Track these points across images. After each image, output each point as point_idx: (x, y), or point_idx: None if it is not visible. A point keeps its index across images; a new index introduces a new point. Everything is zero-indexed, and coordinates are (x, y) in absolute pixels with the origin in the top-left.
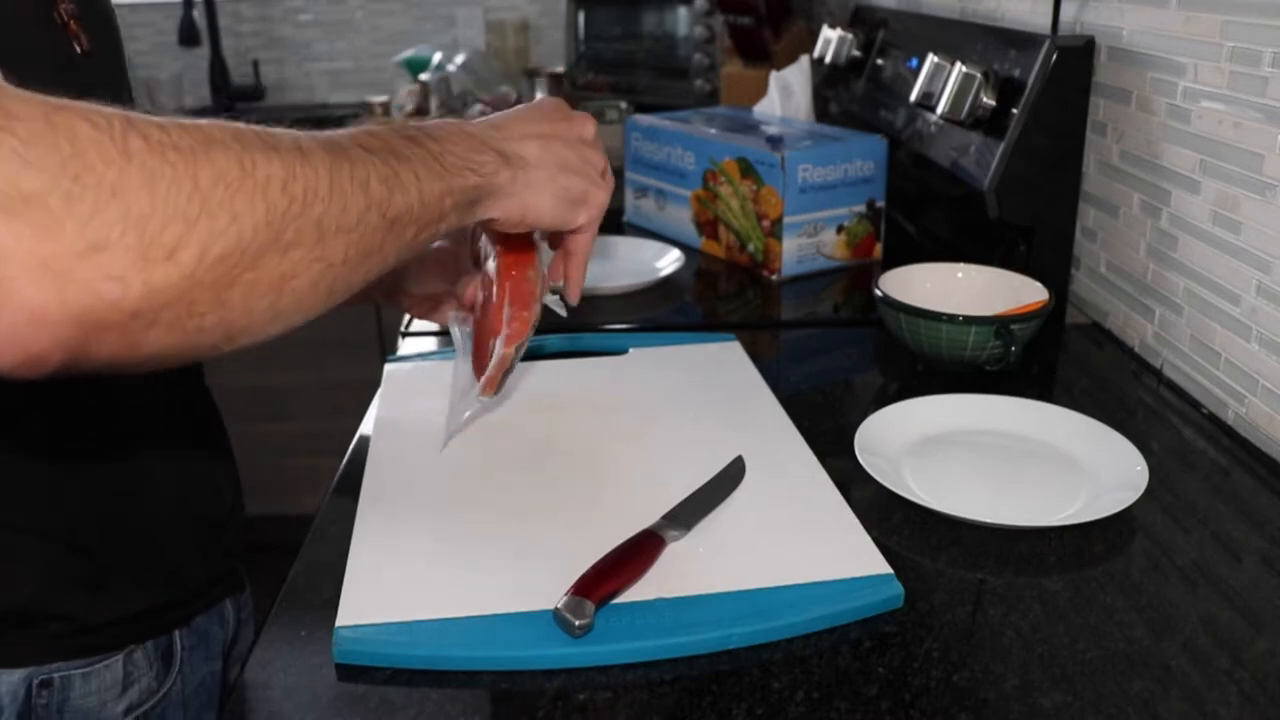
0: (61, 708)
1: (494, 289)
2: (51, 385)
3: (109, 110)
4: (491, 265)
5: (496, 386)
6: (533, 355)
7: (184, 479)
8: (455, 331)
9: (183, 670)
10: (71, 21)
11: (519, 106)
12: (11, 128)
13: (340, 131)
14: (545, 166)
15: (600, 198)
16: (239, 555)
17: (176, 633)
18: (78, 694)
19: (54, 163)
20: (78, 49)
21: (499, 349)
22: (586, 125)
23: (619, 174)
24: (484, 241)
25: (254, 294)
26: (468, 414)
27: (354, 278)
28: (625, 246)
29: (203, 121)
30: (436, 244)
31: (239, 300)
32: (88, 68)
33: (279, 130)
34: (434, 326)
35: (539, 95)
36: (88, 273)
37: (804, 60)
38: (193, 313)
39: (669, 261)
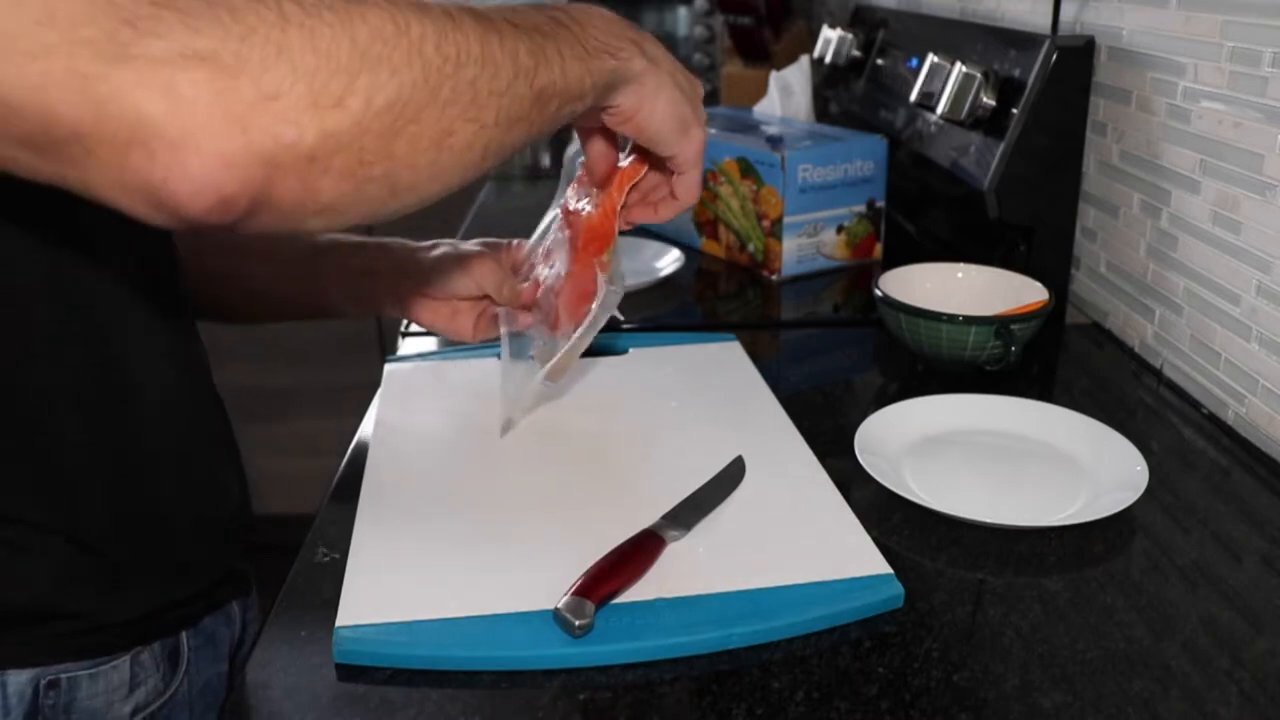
0: (69, 708)
1: (560, 278)
2: (68, 385)
3: None
4: (557, 263)
5: (563, 375)
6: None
7: (195, 480)
8: (504, 330)
9: (189, 671)
10: None
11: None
12: (171, 3)
13: (486, 4)
14: (668, 71)
15: (700, 136)
16: (246, 556)
17: (184, 634)
18: (85, 695)
19: (219, 28)
20: None
21: (575, 337)
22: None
23: None
24: (534, 246)
25: (417, 147)
26: (525, 403)
27: (506, 140)
28: (625, 246)
29: None
30: (468, 246)
31: (404, 152)
32: None
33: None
34: None
35: None
36: (267, 119)
37: (804, 60)
38: (362, 160)
39: (669, 261)
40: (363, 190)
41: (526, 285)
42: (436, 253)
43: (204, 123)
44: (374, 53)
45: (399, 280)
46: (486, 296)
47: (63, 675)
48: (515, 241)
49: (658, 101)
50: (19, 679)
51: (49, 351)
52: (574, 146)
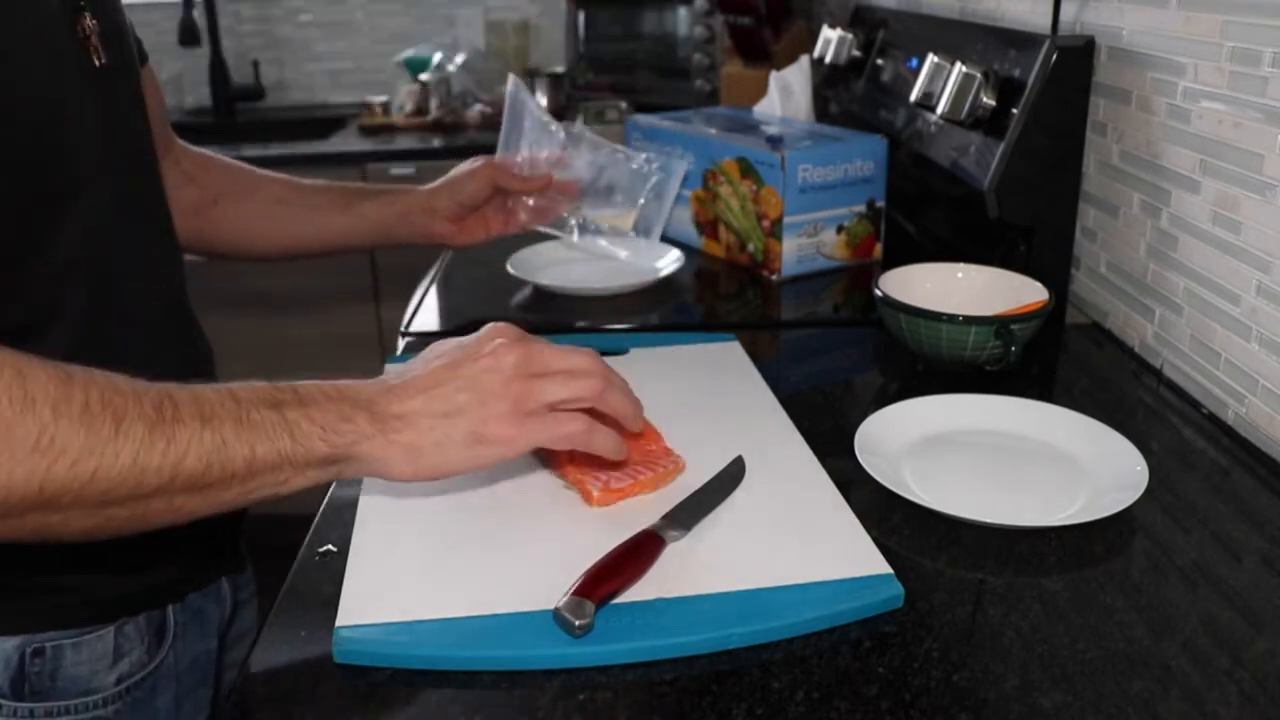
0: (54, 675)
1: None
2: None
3: None
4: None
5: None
6: None
7: None
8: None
9: (175, 645)
10: (92, 36)
11: (445, 347)
12: None
13: (196, 392)
14: (423, 422)
15: (501, 429)
16: (238, 536)
17: (170, 608)
18: (69, 663)
19: None
20: (96, 62)
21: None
22: (498, 358)
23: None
24: (516, 153)
25: (14, 531)
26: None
27: (146, 526)
28: (625, 247)
29: (46, 374)
30: (465, 166)
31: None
32: (107, 81)
33: (118, 391)
34: (434, 326)
35: (540, 101)
36: None
37: (804, 60)
38: None
39: (669, 261)
40: None
41: (538, 176)
42: (445, 181)
43: None
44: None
45: (429, 216)
46: (498, 193)
47: (48, 644)
48: (498, 156)
49: (426, 458)
50: (5, 646)
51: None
52: (512, 81)
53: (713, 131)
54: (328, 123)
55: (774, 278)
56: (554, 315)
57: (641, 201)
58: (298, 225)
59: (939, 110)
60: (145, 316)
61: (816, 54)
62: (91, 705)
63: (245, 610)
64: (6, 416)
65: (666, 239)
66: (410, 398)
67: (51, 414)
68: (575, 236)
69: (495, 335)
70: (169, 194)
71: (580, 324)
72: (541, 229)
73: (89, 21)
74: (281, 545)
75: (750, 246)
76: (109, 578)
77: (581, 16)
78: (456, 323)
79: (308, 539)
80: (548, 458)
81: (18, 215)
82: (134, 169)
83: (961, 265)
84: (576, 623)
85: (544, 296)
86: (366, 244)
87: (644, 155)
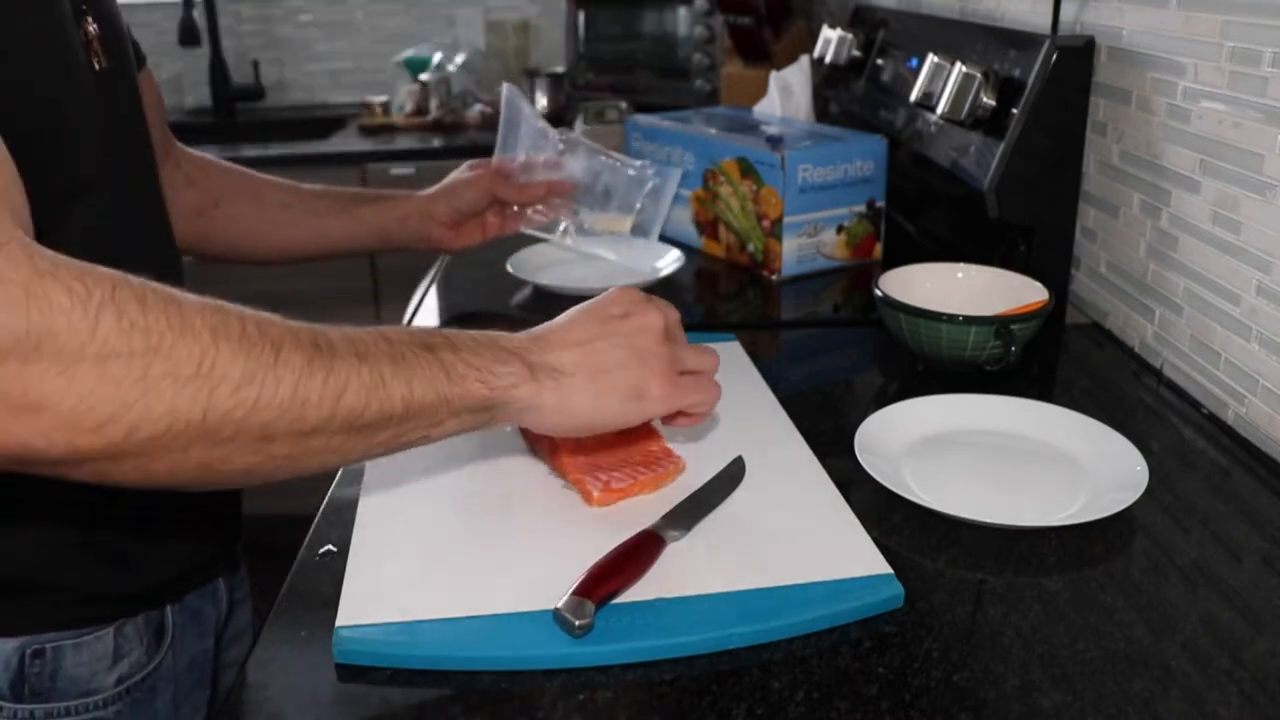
0: (54, 676)
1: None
2: None
3: (103, 276)
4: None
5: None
6: None
7: None
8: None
9: (174, 646)
10: (93, 40)
11: (576, 309)
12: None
13: (348, 331)
14: (580, 373)
15: (660, 387)
16: (235, 538)
17: (169, 608)
18: (69, 664)
19: (19, 330)
20: (97, 66)
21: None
22: (649, 318)
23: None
24: (514, 157)
25: (179, 467)
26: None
27: (303, 469)
28: (625, 247)
29: (197, 302)
30: (460, 174)
31: (163, 468)
32: (108, 84)
33: (272, 323)
34: (434, 325)
35: (540, 101)
36: (20, 428)
37: (804, 60)
38: (116, 467)
39: (669, 262)
40: (116, 480)
41: (535, 184)
42: (443, 188)
43: None
44: (160, 389)
45: (426, 222)
46: (492, 203)
47: (48, 645)
48: (494, 160)
49: (580, 405)
50: (5, 647)
51: None
52: (507, 88)
53: (713, 131)
54: (328, 123)
55: (774, 278)
56: (554, 315)
57: (638, 207)
58: (297, 229)
59: (939, 110)
60: None
61: (816, 54)
62: (92, 706)
63: (240, 610)
64: (168, 339)
65: (666, 239)
66: (564, 350)
67: (211, 338)
68: (568, 240)
69: (633, 298)
70: (169, 197)
71: None
72: (533, 232)
73: (90, 26)
74: (281, 545)
75: (750, 246)
76: (108, 577)
77: (581, 16)
78: (456, 323)
79: (308, 539)
80: (548, 458)
81: None
82: (134, 171)
83: (961, 265)
84: (576, 623)
85: (544, 296)
86: (364, 248)
87: (640, 161)
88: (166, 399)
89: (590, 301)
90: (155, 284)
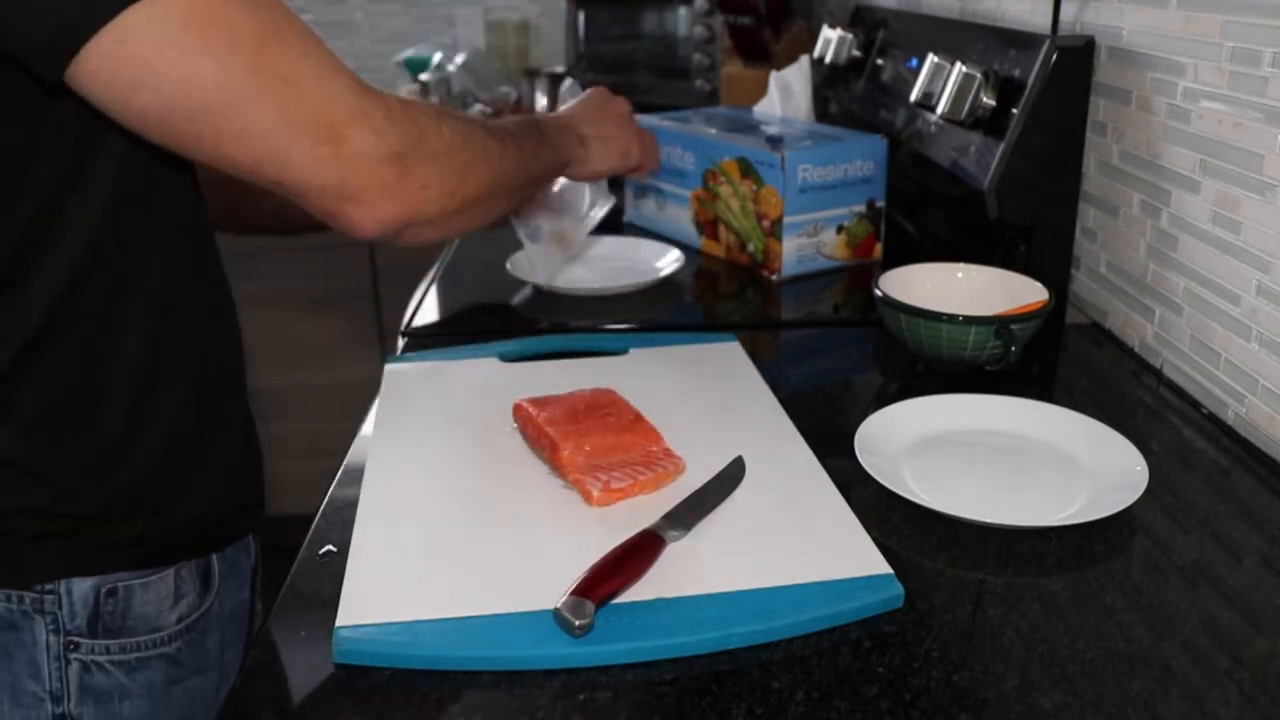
0: (125, 614)
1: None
2: (155, 326)
3: (429, 105)
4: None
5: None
6: (533, 355)
7: (242, 415)
8: (517, 226)
9: (219, 594)
10: None
11: (581, 98)
12: (374, 113)
13: (510, 124)
14: (599, 139)
15: (636, 148)
16: (260, 492)
17: (213, 556)
18: (138, 601)
19: (418, 138)
20: None
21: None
22: (622, 104)
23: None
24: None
25: (486, 214)
26: (550, 270)
27: (513, 207)
28: (625, 247)
29: (460, 114)
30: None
31: (480, 215)
32: None
33: (494, 124)
34: (434, 325)
35: (540, 101)
36: (418, 201)
37: (804, 60)
38: (461, 219)
39: (669, 262)
40: (454, 230)
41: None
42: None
43: (384, 196)
44: (478, 167)
45: None
46: None
47: (120, 584)
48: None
49: (599, 160)
50: (83, 586)
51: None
52: (567, 82)
53: (713, 131)
54: None
55: (774, 278)
56: (554, 315)
57: (585, 225)
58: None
59: (939, 110)
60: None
61: (816, 54)
62: (158, 642)
63: (259, 565)
64: (468, 137)
65: (667, 239)
66: (589, 126)
67: (484, 136)
68: (526, 243)
69: (604, 92)
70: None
71: (580, 323)
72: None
73: None
74: (282, 545)
75: (750, 246)
76: (162, 521)
77: (581, 16)
78: (457, 323)
79: (308, 539)
80: (549, 457)
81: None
82: None
83: (961, 265)
84: (576, 623)
85: (544, 296)
86: None
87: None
88: (474, 170)
89: (594, 95)
90: (427, 104)
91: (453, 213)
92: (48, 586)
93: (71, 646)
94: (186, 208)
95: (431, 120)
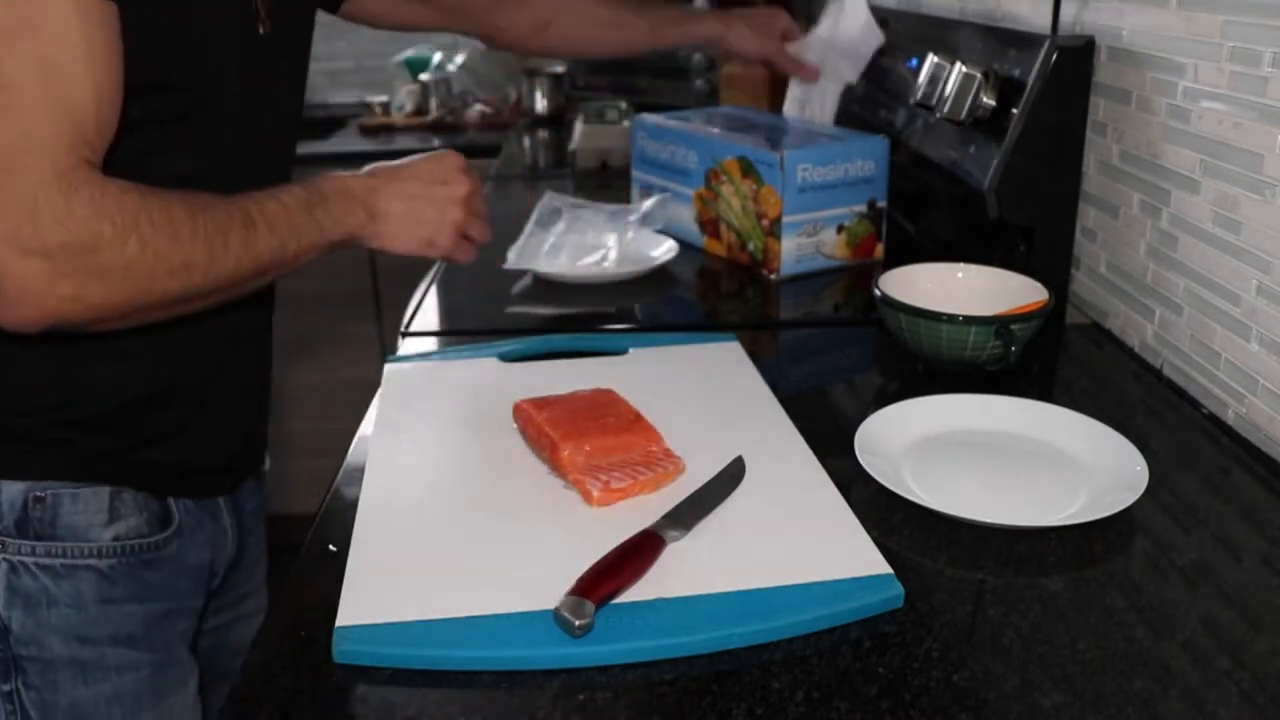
0: (54, 522)
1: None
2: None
3: (133, 205)
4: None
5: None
6: (533, 356)
7: (234, 380)
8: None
9: (180, 539)
10: (262, 9)
11: (414, 160)
12: (47, 208)
13: (262, 203)
14: (400, 219)
15: (445, 239)
16: (244, 463)
17: (170, 501)
18: (66, 511)
19: (78, 249)
20: (260, 30)
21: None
22: (460, 189)
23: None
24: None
25: (157, 315)
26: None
27: (231, 298)
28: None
29: (183, 210)
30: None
31: (146, 317)
32: (265, 49)
33: (219, 212)
34: (434, 325)
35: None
36: (62, 310)
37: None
38: (119, 323)
39: (664, 251)
40: (112, 329)
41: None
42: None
43: (21, 299)
44: (169, 279)
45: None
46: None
47: (49, 492)
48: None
49: (395, 242)
50: (12, 489)
51: None
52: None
53: (715, 130)
54: (328, 123)
55: (773, 277)
56: (553, 303)
57: (629, 235)
58: (617, 44)
59: (939, 110)
60: None
61: None
62: (87, 553)
63: (255, 569)
64: (166, 249)
65: (665, 233)
66: (393, 200)
67: (190, 244)
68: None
69: (455, 166)
70: (503, 26)
71: (577, 311)
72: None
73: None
74: (281, 545)
75: (750, 245)
76: (110, 442)
77: None
78: (457, 322)
79: (308, 539)
80: (549, 458)
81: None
82: (269, 140)
83: (961, 265)
84: (576, 623)
85: (543, 284)
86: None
87: (613, 206)
88: (162, 288)
89: (424, 160)
90: (159, 198)
91: (119, 319)
92: None
93: (0, 546)
94: (201, 154)
95: (116, 231)
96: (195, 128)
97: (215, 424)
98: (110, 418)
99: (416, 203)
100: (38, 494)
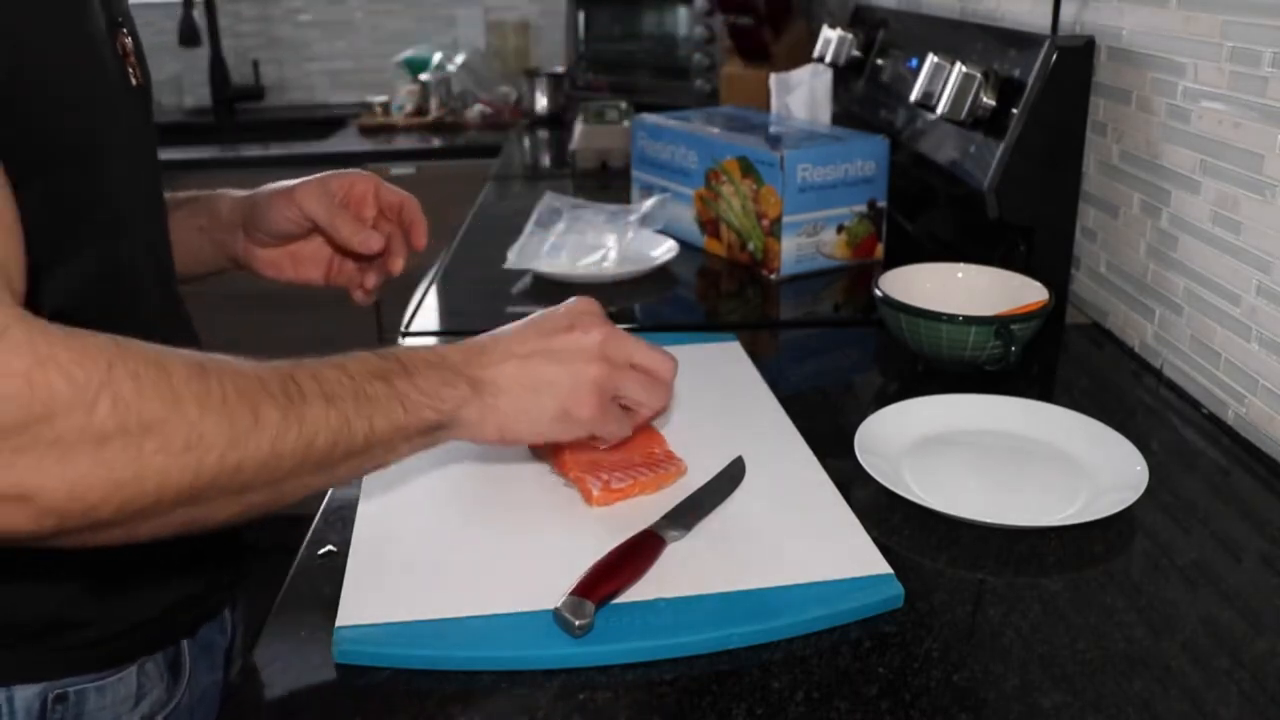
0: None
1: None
2: None
3: (100, 354)
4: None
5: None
6: None
7: None
8: None
9: (190, 682)
10: (130, 54)
11: (527, 320)
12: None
13: (314, 370)
14: (515, 390)
15: (588, 410)
16: (239, 566)
17: (184, 643)
18: (93, 707)
19: (19, 420)
20: (133, 81)
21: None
22: (588, 336)
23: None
24: None
25: (162, 528)
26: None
27: (278, 506)
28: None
29: (183, 368)
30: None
31: (146, 530)
32: (140, 101)
33: (248, 378)
34: (433, 326)
35: (540, 101)
36: (8, 513)
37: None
38: (103, 535)
39: (664, 251)
40: (102, 542)
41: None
42: (267, 189)
43: None
44: (153, 464)
45: (232, 233)
46: (335, 248)
47: (70, 689)
48: (360, 172)
49: (517, 424)
50: (26, 693)
51: None
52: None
53: (715, 130)
54: (328, 123)
55: (773, 277)
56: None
57: (629, 235)
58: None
59: (939, 110)
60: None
61: (816, 54)
62: None
63: (239, 640)
64: (160, 415)
65: (665, 233)
66: (503, 363)
67: (198, 410)
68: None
69: (583, 309)
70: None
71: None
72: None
73: (125, 39)
74: (281, 545)
75: (750, 245)
76: (124, 612)
77: (581, 16)
78: (457, 322)
79: (308, 539)
80: (549, 456)
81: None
82: (153, 196)
83: (961, 265)
84: (576, 623)
85: (543, 284)
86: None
87: (614, 206)
88: (158, 473)
89: (541, 313)
90: (146, 349)
91: (118, 525)
92: None
93: None
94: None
95: (76, 389)
96: (85, 203)
97: (215, 538)
98: (123, 590)
99: (531, 362)
100: (58, 694)
